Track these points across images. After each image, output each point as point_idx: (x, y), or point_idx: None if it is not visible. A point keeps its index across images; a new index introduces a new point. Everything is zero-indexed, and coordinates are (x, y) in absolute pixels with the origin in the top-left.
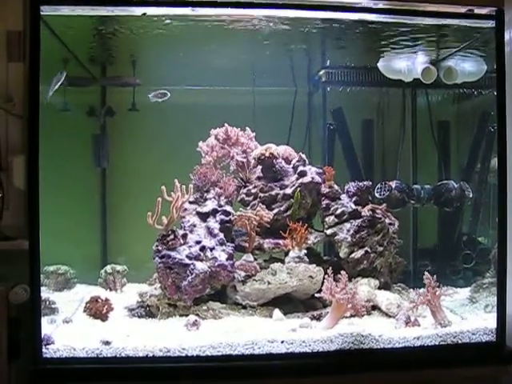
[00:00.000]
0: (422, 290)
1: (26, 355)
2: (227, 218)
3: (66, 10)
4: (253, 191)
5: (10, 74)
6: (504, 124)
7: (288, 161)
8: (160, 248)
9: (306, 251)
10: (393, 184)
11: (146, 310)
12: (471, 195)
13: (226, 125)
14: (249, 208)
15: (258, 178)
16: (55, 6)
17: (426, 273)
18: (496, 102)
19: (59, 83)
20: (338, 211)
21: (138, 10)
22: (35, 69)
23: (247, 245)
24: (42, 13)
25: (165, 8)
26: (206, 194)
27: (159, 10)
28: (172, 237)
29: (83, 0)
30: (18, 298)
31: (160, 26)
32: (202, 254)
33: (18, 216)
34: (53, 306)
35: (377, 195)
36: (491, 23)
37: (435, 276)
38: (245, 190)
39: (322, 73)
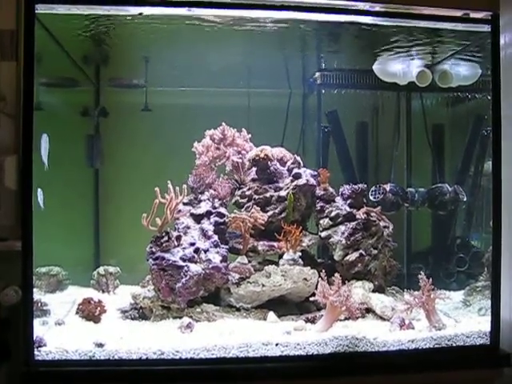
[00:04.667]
0: (416, 293)
1: (18, 357)
2: (221, 220)
3: (61, 9)
4: (247, 193)
5: (2, 73)
6: (499, 128)
7: (283, 163)
8: (154, 250)
9: (300, 254)
10: (387, 187)
11: (139, 312)
12: (465, 199)
13: (223, 124)
14: (243, 210)
15: (253, 180)
16: (50, 5)
17: (422, 274)
18: (491, 106)
19: (46, 146)
20: (333, 214)
21: (134, 10)
22: (30, 68)
23: (241, 247)
24: (36, 11)
25: (161, 8)
26: (200, 196)
27: (156, 10)
28: (166, 238)
29: None
30: (8, 300)
31: (155, 27)
32: (196, 255)
33: (9, 216)
34: (45, 307)
35: (371, 198)
36: (487, 27)
37: (430, 279)
38: (239, 192)
39: (317, 75)
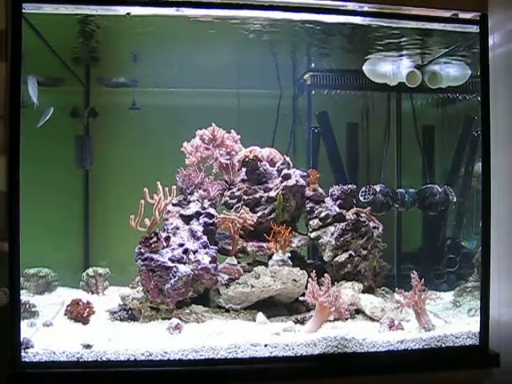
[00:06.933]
0: (407, 293)
1: (5, 359)
2: (211, 221)
3: (48, 9)
4: (237, 194)
5: None
6: (488, 128)
7: (272, 163)
8: (143, 250)
9: (289, 254)
10: (377, 188)
11: (128, 314)
12: (455, 199)
13: (213, 124)
14: (232, 211)
15: (242, 181)
16: (38, 4)
17: (415, 274)
18: (480, 107)
19: (48, 117)
20: (323, 214)
21: (122, 10)
22: (17, 68)
23: (231, 248)
24: (23, 11)
25: (149, 8)
26: (189, 197)
27: (144, 10)
28: (155, 239)
29: None
30: None
31: (144, 27)
32: (185, 256)
33: None
34: (33, 309)
35: (361, 199)
36: (475, 28)
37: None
38: (229, 193)
39: (307, 76)
